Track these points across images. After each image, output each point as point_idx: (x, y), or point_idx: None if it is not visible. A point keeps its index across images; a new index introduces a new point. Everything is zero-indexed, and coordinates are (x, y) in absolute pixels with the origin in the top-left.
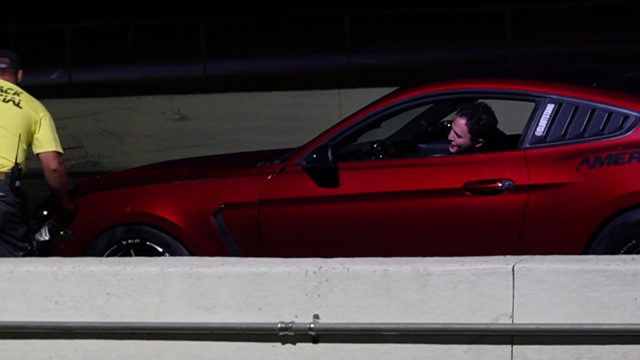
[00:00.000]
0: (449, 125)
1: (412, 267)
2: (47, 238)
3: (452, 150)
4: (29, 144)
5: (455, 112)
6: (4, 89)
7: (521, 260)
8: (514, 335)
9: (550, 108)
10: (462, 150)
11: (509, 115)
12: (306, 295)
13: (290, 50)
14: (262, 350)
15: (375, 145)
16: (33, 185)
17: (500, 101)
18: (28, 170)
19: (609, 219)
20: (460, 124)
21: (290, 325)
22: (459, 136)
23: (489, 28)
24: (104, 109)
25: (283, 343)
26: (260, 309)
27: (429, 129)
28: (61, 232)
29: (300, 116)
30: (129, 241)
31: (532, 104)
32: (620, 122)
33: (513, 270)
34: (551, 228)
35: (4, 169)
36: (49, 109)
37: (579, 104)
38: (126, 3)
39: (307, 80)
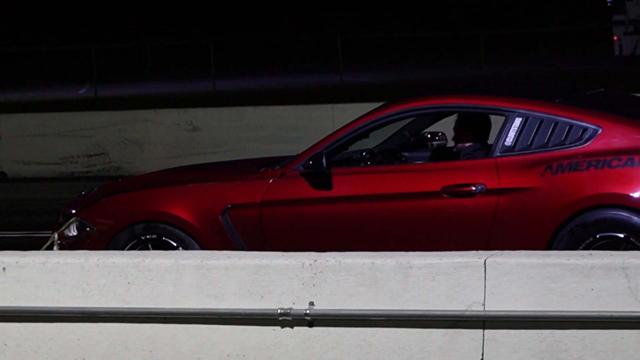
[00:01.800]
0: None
1: (396, 260)
2: (74, 234)
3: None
4: None
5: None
6: None
7: (492, 255)
8: (485, 320)
9: (518, 121)
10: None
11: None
12: (303, 284)
13: (290, 69)
14: (263, 333)
15: (364, 154)
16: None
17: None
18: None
19: (569, 219)
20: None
21: (289, 311)
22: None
23: (465, 50)
24: (126, 120)
25: (282, 327)
26: (262, 296)
27: (412, 140)
28: (87, 229)
29: (298, 127)
30: (147, 237)
31: (503, 118)
32: (580, 133)
33: (485, 263)
34: (518, 227)
35: None
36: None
37: (543, 118)
38: (145, 26)
39: (304, 96)
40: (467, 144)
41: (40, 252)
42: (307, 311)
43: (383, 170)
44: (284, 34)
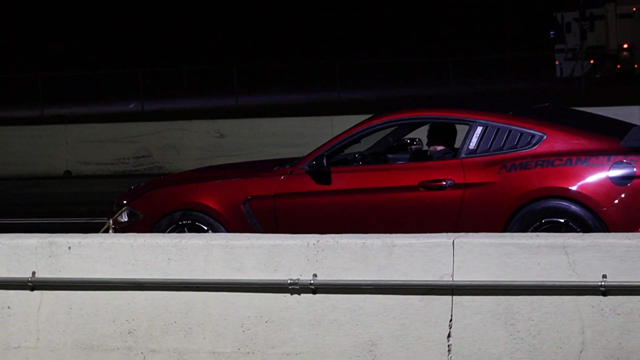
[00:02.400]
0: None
1: (382, 241)
2: (125, 220)
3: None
4: None
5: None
6: None
7: (459, 236)
8: (454, 289)
9: (479, 129)
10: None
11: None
12: (307, 260)
13: (298, 87)
14: (276, 298)
15: (356, 155)
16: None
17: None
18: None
19: (521, 208)
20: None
21: (297, 281)
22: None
23: (437, 73)
24: (166, 129)
25: (291, 294)
26: (275, 269)
27: (394, 144)
28: (135, 216)
29: (304, 135)
30: (184, 222)
31: (467, 127)
32: (529, 139)
33: (453, 243)
34: (480, 214)
35: None
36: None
37: (500, 127)
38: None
39: (309, 109)
40: (438, 148)
41: (98, 234)
42: (312, 281)
43: (372, 168)
44: (293, 60)
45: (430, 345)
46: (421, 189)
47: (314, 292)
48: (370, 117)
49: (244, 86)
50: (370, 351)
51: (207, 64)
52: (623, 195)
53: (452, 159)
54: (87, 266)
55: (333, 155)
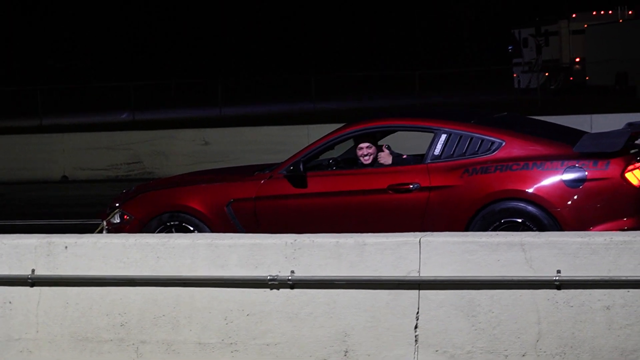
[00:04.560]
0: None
1: (354, 239)
2: (118, 221)
3: (368, 161)
4: None
5: (356, 142)
6: None
7: (425, 235)
8: (420, 283)
9: (443, 137)
10: (375, 157)
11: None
12: (286, 258)
13: (277, 98)
14: (257, 293)
15: (330, 161)
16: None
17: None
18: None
19: (482, 209)
20: (367, 144)
21: (276, 277)
22: (369, 148)
23: (404, 85)
24: (156, 137)
25: (271, 289)
26: (256, 266)
27: None
28: (127, 217)
29: (283, 142)
30: (172, 223)
31: (432, 134)
32: (489, 146)
33: (420, 242)
34: (444, 214)
35: None
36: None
37: (462, 134)
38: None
39: (287, 119)
40: (404, 155)
41: (93, 234)
42: (290, 277)
43: (344, 173)
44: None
45: (399, 336)
46: (390, 191)
47: (292, 287)
48: (343, 126)
49: (228, 97)
50: (344, 341)
51: (194, 77)
52: (576, 197)
53: (419, 164)
54: (83, 264)
55: (309, 161)
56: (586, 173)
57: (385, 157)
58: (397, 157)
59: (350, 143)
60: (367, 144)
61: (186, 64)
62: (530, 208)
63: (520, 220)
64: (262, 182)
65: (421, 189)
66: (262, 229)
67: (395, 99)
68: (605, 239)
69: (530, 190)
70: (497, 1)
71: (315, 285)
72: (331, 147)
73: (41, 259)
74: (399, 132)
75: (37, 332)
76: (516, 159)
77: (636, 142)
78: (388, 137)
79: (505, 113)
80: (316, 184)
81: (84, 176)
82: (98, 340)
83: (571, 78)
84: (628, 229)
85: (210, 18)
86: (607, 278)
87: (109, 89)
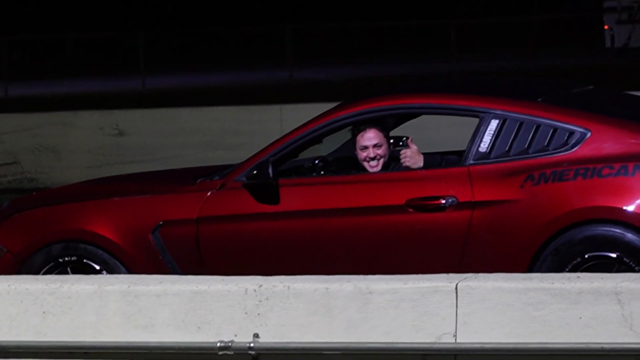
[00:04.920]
0: (392, 141)
1: (353, 285)
2: None
3: (377, 167)
4: None
5: (354, 133)
6: None
7: (465, 279)
8: (457, 354)
9: (494, 124)
10: (387, 160)
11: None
12: (246, 313)
13: (231, 64)
14: None
15: (316, 161)
16: None
17: (445, 117)
18: None
19: (554, 237)
20: (375, 135)
21: (230, 344)
22: (379, 146)
23: (433, 43)
24: (41, 124)
25: None
26: (199, 327)
27: None
28: None
29: (241, 131)
30: (66, 259)
31: (477, 120)
32: (566, 138)
33: (456, 288)
34: (495, 245)
35: None
36: None
37: (523, 120)
38: (64, 17)
39: (248, 95)
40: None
41: None
42: (251, 344)
43: (338, 180)
44: (223, 25)
45: None
46: (410, 210)
47: (255, 359)
48: (337, 107)
49: (154, 62)
50: None
51: (101, 30)
52: None
53: (456, 167)
54: None
55: (283, 162)
56: None
57: (414, 157)
58: (429, 157)
59: (346, 134)
60: (374, 141)
61: (89, 10)
62: (630, 236)
63: (614, 256)
64: (208, 194)
65: (459, 205)
66: (208, 267)
67: (418, 64)
68: None
69: (631, 209)
70: None
71: (292, 358)
72: (318, 140)
73: None
74: (422, 117)
75: None
76: (608, 159)
77: None
78: (404, 124)
79: (591, 87)
80: (294, 197)
81: None
82: None
83: None
84: None
85: None
86: None
87: None
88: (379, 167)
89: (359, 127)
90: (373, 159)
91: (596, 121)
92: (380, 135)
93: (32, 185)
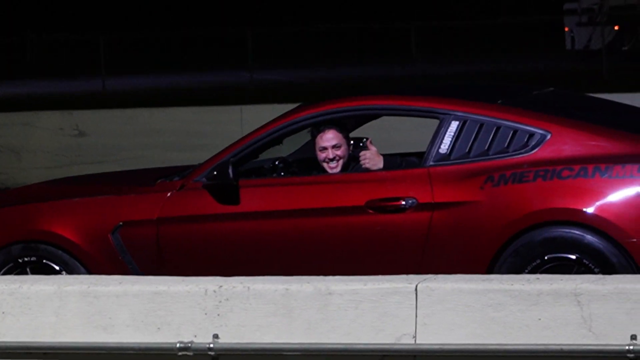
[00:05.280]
0: (352, 142)
1: (313, 286)
2: None
3: (336, 169)
4: None
5: (313, 134)
6: None
7: (424, 280)
8: (417, 355)
9: (454, 125)
10: (346, 161)
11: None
12: (206, 314)
13: (192, 66)
14: None
15: (277, 162)
16: None
17: (406, 118)
18: None
19: (514, 238)
20: (334, 136)
21: (189, 345)
22: (338, 147)
23: (394, 46)
24: (1, 124)
25: None
26: (159, 328)
27: None
28: None
29: (202, 132)
30: (25, 259)
31: (437, 122)
32: (526, 139)
33: (416, 289)
34: (455, 247)
35: None
36: None
37: (483, 121)
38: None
39: (208, 96)
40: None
41: None
42: (211, 345)
43: (298, 182)
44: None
45: None
46: (370, 211)
47: None
48: (297, 108)
49: (115, 63)
50: None
51: (62, 31)
52: None
53: (416, 168)
54: None
55: (243, 163)
56: None
57: (374, 158)
58: (389, 159)
59: (306, 135)
60: (333, 142)
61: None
62: (589, 238)
63: (574, 257)
64: (168, 195)
65: (419, 206)
66: (169, 268)
67: (379, 67)
68: None
69: (590, 211)
70: None
71: (252, 358)
72: (278, 141)
73: None
74: (383, 118)
75: None
76: (568, 161)
77: None
78: (365, 126)
79: (551, 89)
80: (254, 198)
81: None
82: None
83: None
84: None
85: None
86: None
87: None
88: (339, 168)
89: (318, 128)
90: (332, 159)
91: (556, 123)
92: (340, 136)
93: None
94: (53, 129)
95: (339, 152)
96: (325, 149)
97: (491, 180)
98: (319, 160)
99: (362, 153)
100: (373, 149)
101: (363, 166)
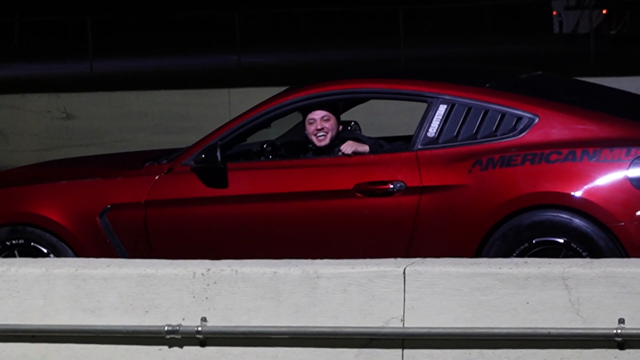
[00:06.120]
0: (340, 127)
1: (301, 269)
2: None
3: (325, 141)
4: None
5: (305, 115)
6: None
7: (412, 263)
8: (404, 339)
9: (442, 109)
10: (334, 137)
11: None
12: (194, 297)
13: (180, 48)
14: (148, 353)
15: (265, 146)
16: None
17: (394, 101)
18: None
19: (502, 222)
20: (321, 112)
21: (177, 328)
22: (327, 120)
23: (382, 28)
24: None
25: (170, 346)
26: (147, 311)
27: None
28: None
29: (190, 115)
30: (13, 242)
31: (425, 105)
32: (514, 123)
33: (404, 273)
34: (443, 230)
35: None
36: None
37: (471, 105)
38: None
39: (196, 79)
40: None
41: None
42: (199, 328)
43: (286, 165)
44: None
45: None
46: (358, 194)
47: (203, 343)
48: (285, 91)
49: (103, 46)
50: None
51: (49, 14)
52: None
53: (404, 152)
54: None
55: (231, 146)
56: None
57: (354, 144)
58: (375, 143)
59: (295, 118)
60: (322, 114)
61: None
62: (577, 222)
63: (562, 241)
64: (156, 178)
65: (407, 190)
66: (157, 251)
67: (366, 50)
68: None
69: (578, 195)
70: None
71: (240, 342)
72: (266, 124)
73: None
74: (371, 102)
75: None
76: (556, 145)
77: None
78: (353, 109)
79: (539, 73)
80: (242, 181)
81: None
82: None
83: None
84: None
85: None
86: None
87: None
88: (327, 141)
89: (307, 111)
90: (320, 130)
91: (544, 107)
92: (329, 113)
93: None
94: (40, 111)
95: (327, 125)
96: (314, 120)
97: (479, 164)
98: (308, 134)
99: (344, 139)
100: (350, 150)
101: (343, 151)
